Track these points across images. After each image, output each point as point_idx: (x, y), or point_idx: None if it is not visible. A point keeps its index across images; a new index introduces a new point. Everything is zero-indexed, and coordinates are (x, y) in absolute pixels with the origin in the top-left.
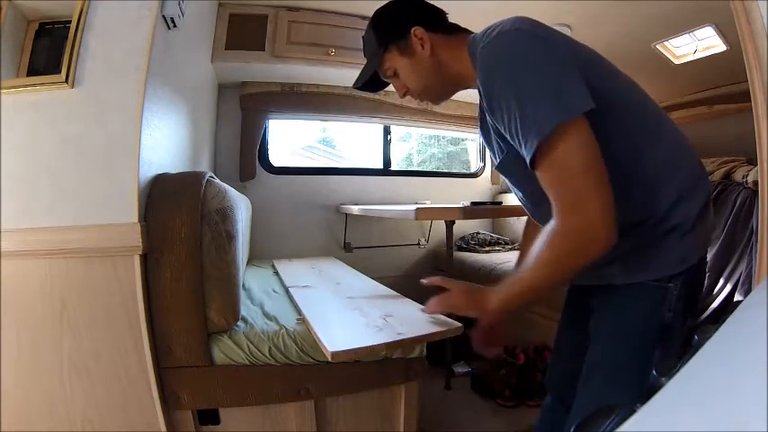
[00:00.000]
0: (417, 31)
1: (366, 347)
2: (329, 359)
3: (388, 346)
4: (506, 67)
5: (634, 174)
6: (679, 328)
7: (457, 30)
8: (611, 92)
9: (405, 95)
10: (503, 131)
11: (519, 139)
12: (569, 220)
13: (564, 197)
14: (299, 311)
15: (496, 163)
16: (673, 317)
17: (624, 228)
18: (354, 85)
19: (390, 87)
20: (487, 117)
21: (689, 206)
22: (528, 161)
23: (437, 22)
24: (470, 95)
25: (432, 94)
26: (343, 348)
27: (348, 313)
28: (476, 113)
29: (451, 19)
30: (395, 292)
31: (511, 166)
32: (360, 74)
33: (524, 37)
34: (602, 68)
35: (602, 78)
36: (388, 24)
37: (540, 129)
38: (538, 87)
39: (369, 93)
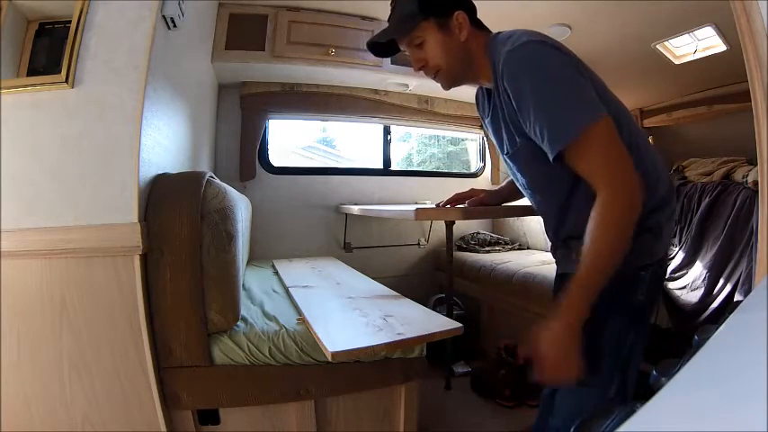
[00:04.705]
0: (461, 15)
1: (366, 348)
2: (329, 359)
3: (388, 346)
4: (537, 74)
5: None
6: (648, 313)
7: (483, 27)
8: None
9: (420, 69)
10: (526, 127)
11: (551, 133)
12: (614, 186)
13: (607, 174)
14: (299, 312)
15: (507, 151)
16: (644, 301)
17: None
18: (372, 38)
19: (391, 87)
20: (504, 111)
21: (662, 212)
22: (555, 150)
23: (475, 12)
24: (472, 96)
25: (449, 77)
26: (344, 348)
27: (348, 313)
28: (475, 113)
29: None
30: (395, 293)
31: (522, 155)
32: (384, 30)
33: (550, 49)
34: (598, 85)
35: (601, 99)
36: None
37: (581, 121)
38: (570, 92)
39: (377, 57)
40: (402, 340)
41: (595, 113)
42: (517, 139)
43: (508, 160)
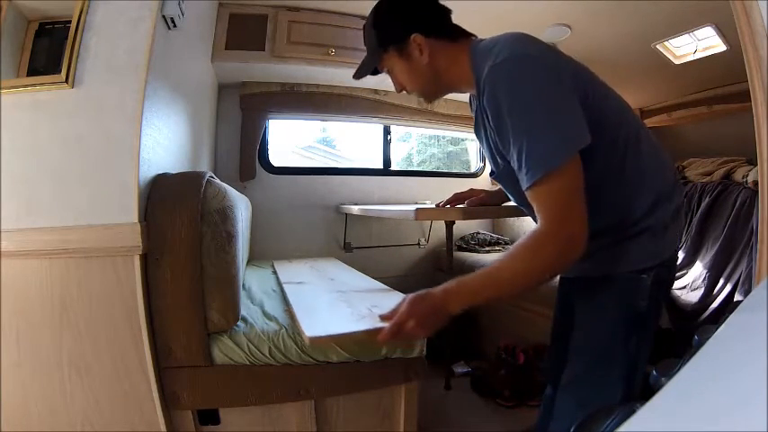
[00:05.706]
0: (417, 38)
1: (345, 333)
2: (307, 344)
3: (369, 333)
4: (517, 95)
5: (616, 179)
6: (653, 316)
7: (458, 34)
8: (601, 111)
9: (401, 92)
10: (503, 149)
11: (522, 165)
12: (556, 232)
13: (554, 216)
14: (287, 303)
15: (491, 171)
16: (647, 305)
17: (604, 225)
18: (354, 76)
19: (391, 87)
20: (488, 129)
21: (663, 210)
22: (524, 185)
23: (439, 26)
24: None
25: (427, 96)
26: (322, 334)
27: (335, 304)
28: None
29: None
30: (386, 287)
31: (505, 177)
32: (360, 66)
33: (533, 64)
34: (596, 87)
35: (596, 98)
36: (389, 26)
37: (544, 164)
38: (545, 121)
39: (371, 76)
40: (382, 327)
41: (563, 155)
42: (499, 161)
43: (495, 181)
